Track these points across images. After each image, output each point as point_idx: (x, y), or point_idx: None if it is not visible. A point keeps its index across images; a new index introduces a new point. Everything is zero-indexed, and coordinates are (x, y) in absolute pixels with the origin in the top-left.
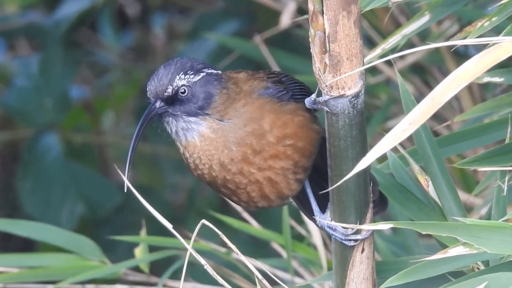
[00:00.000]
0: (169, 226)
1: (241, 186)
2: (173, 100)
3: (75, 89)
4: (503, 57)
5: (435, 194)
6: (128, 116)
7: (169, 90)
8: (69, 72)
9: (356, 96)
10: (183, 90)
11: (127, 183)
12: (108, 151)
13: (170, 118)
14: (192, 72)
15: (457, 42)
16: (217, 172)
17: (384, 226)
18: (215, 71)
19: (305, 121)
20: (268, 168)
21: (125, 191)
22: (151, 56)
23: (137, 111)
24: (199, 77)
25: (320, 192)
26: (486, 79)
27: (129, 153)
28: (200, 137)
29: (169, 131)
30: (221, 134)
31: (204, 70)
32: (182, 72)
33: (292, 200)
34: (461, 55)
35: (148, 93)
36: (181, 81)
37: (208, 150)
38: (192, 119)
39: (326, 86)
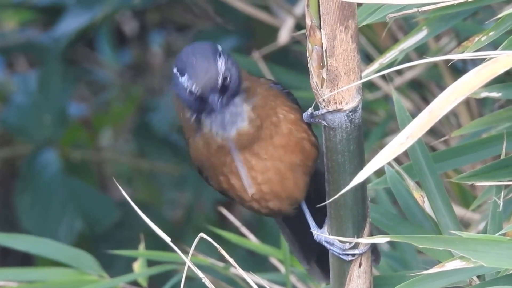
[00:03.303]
0: (167, 239)
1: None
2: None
3: (73, 106)
4: (501, 70)
5: (430, 210)
6: (126, 133)
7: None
8: (67, 89)
9: (354, 110)
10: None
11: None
12: (106, 167)
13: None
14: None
15: (454, 56)
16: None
17: (381, 239)
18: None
19: (307, 125)
20: (278, 158)
21: None
22: (149, 73)
23: (135, 128)
24: (226, 58)
25: (318, 206)
26: (484, 94)
27: None
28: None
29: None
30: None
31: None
32: (216, 58)
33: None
34: (459, 71)
35: (197, 90)
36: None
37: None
38: (236, 100)
39: (323, 100)
